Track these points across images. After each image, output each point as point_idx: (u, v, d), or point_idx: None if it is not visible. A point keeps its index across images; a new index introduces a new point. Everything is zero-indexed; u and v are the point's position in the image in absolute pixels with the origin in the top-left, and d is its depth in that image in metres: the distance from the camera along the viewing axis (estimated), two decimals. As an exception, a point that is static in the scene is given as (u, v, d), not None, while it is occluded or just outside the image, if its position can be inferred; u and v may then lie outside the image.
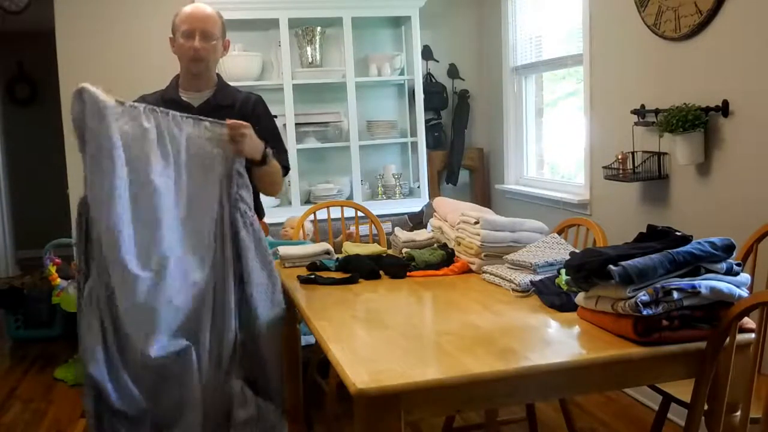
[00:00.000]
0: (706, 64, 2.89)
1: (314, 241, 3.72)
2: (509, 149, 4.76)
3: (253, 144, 2.41)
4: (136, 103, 2.29)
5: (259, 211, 2.80)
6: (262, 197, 2.86)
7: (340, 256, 2.98)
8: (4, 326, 5.01)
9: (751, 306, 1.75)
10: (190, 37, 2.53)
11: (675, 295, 1.77)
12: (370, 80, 4.68)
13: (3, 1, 4.77)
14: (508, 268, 2.52)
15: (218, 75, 2.72)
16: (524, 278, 2.36)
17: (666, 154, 3.13)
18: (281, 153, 2.73)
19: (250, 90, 2.96)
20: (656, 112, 3.08)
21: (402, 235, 3.11)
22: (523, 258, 2.48)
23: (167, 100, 2.64)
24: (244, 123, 2.36)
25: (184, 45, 2.55)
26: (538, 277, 2.35)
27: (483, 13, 5.00)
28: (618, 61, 3.46)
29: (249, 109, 2.69)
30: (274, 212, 4.18)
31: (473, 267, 2.70)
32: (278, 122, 3.26)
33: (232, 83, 2.84)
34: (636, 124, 3.20)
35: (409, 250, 2.93)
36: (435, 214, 3.17)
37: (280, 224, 4.02)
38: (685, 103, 2.88)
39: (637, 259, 1.81)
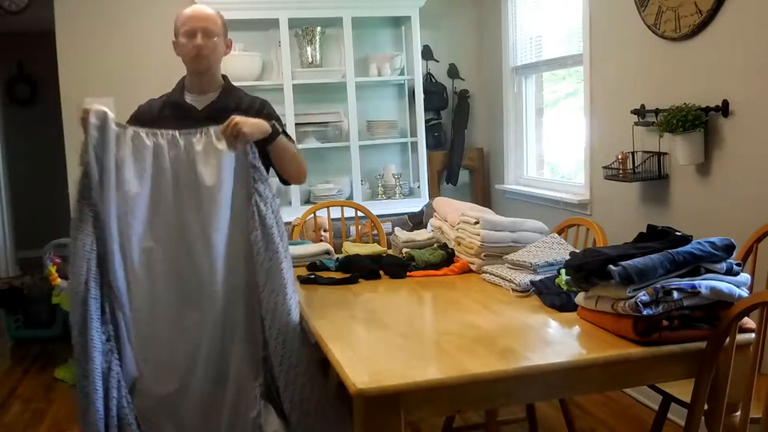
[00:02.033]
0: (706, 64, 2.89)
1: (315, 240, 3.72)
2: (509, 149, 4.75)
3: (253, 123, 2.32)
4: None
5: None
6: None
7: (340, 256, 2.98)
8: (4, 326, 5.01)
9: (751, 306, 1.75)
10: (192, 36, 2.53)
11: (675, 295, 1.77)
12: (370, 80, 4.68)
13: (3, 1, 4.77)
14: (508, 268, 2.52)
15: (224, 76, 2.70)
16: (524, 278, 2.36)
17: (666, 154, 3.12)
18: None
19: (250, 90, 2.96)
20: (656, 112, 3.07)
21: (402, 235, 3.11)
22: (523, 258, 2.48)
23: (171, 103, 2.63)
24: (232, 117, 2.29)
25: (186, 45, 2.55)
26: (538, 277, 2.35)
27: (483, 13, 5.00)
28: (618, 61, 3.46)
29: (254, 111, 2.67)
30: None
31: (473, 267, 2.70)
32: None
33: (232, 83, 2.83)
34: (636, 124, 3.20)
35: (409, 250, 2.93)
36: (435, 214, 3.17)
37: (287, 223, 4.00)
38: (685, 103, 2.88)
39: (637, 259, 1.81)
